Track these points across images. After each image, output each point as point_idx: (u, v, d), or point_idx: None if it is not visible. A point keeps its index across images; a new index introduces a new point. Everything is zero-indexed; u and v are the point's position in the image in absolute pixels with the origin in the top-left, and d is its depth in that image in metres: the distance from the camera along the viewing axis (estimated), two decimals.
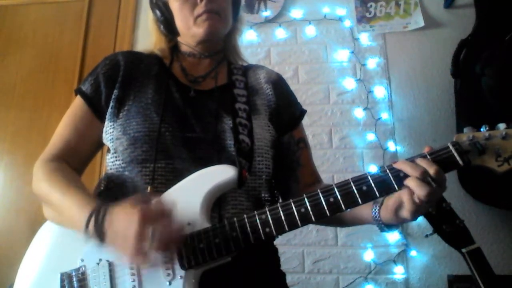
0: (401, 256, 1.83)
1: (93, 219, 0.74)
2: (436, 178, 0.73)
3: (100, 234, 0.73)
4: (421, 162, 0.75)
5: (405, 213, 0.76)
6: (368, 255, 1.84)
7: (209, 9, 0.95)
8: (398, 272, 1.81)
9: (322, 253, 1.89)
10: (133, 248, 0.68)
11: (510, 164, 0.75)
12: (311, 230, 1.92)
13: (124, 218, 0.71)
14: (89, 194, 0.85)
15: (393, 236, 1.84)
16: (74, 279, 0.80)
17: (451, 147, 0.77)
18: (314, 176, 1.06)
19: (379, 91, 2.05)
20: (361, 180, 0.77)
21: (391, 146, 1.97)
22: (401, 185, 0.75)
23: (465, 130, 0.79)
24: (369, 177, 0.77)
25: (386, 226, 0.84)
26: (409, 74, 2.07)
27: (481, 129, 0.78)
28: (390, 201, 0.79)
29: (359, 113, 2.03)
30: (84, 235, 0.76)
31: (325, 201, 0.77)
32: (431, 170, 0.73)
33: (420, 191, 0.72)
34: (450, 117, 1.94)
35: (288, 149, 1.04)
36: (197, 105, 0.96)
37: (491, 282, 0.98)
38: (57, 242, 0.86)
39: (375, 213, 0.84)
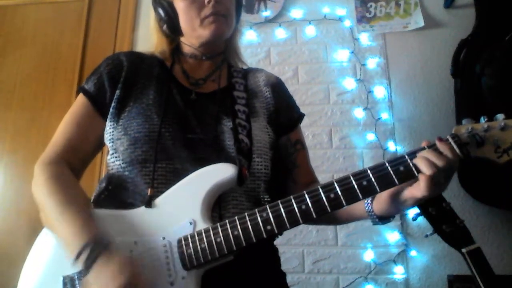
0: (401, 256, 1.83)
1: (86, 253, 0.74)
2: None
3: (87, 268, 0.74)
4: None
5: (419, 191, 0.75)
6: (368, 255, 1.84)
7: (216, 11, 0.95)
8: (398, 272, 1.81)
9: (322, 253, 1.89)
10: None
11: (509, 155, 0.75)
12: (311, 230, 1.92)
13: (109, 276, 0.72)
14: (87, 213, 0.83)
15: (393, 236, 1.84)
16: (77, 282, 0.80)
17: (450, 139, 0.77)
18: (311, 177, 1.07)
19: (379, 91, 2.05)
20: (361, 175, 0.77)
21: (391, 146, 1.97)
22: (401, 180, 0.76)
23: (463, 122, 0.79)
24: (369, 172, 0.77)
25: (380, 218, 0.84)
26: (409, 74, 2.07)
27: (480, 121, 0.78)
28: (384, 192, 0.79)
29: (359, 113, 2.03)
30: (71, 259, 0.76)
31: (325, 197, 0.77)
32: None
33: (440, 162, 0.72)
34: (450, 117, 1.94)
35: (285, 150, 1.04)
36: (197, 107, 0.96)
37: (491, 282, 0.98)
38: (59, 245, 0.86)
39: (367, 205, 0.84)
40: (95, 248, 0.75)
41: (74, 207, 0.82)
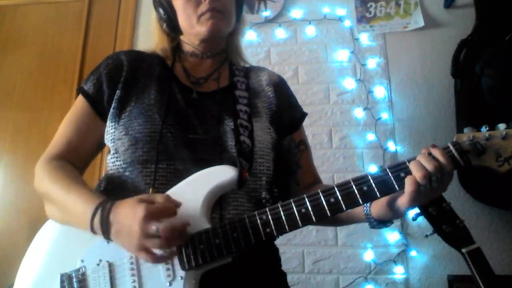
0: (401, 256, 1.83)
1: (99, 213, 0.75)
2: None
3: (105, 228, 0.74)
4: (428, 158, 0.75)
5: (404, 199, 0.75)
6: (368, 255, 1.84)
7: (212, 8, 0.95)
8: (398, 272, 1.81)
9: (322, 253, 1.89)
10: (137, 244, 0.70)
11: (510, 164, 0.76)
12: (311, 230, 1.92)
13: (129, 214, 0.72)
14: (93, 191, 0.86)
15: (393, 236, 1.84)
16: (74, 280, 0.80)
17: (451, 147, 0.77)
18: (314, 177, 1.06)
19: (379, 91, 2.05)
20: (361, 180, 0.77)
21: (391, 146, 1.97)
22: (402, 185, 0.75)
23: (465, 130, 0.79)
24: (369, 177, 0.77)
25: (378, 222, 0.84)
26: (409, 74, 2.07)
27: (481, 129, 0.78)
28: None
29: (359, 113, 2.03)
30: (89, 231, 0.77)
31: (325, 201, 0.77)
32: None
33: (429, 166, 0.73)
34: (450, 117, 1.94)
35: (288, 151, 1.04)
36: (199, 107, 0.96)
37: (491, 282, 0.98)
38: (57, 243, 0.86)
39: (366, 209, 0.84)
40: (105, 207, 0.76)
41: (78, 185, 0.85)
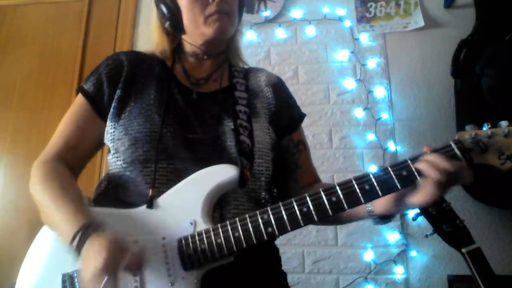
0: (401, 256, 1.83)
1: (78, 237, 0.74)
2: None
3: (78, 252, 0.74)
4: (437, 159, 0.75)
5: (419, 198, 0.75)
6: (368, 255, 1.84)
7: (220, 9, 0.95)
8: (398, 272, 1.81)
9: (322, 253, 1.89)
10: (88, 281, 0.69)
11: None
12: (311, 230, 1.92)
13: (96, 251, 0.71)
14: (81, 203, 0.83)
15: (393, 236, 1.84)
16: (76, 280, 0.80)
17: (453, 145, 0.76)
18: (313, 177, 1.07)
19: (379, 91, 2.05)
20: (363, 179, 0.77)
21: (391, 146, 1.97)
22: (403, 184, 0.75)
23: (467, 128, 0.78)
24: (371, 176, 0.77)
25: (380, 218, 0.84)
26: (409, 74, 2.07)
27: (483, 127, 0.78)
28: None
29: (359, 113, 2.03)
30: (68, 249, 0.76)
31: (327, 200, 0.77)
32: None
33: (447, 165, 0.72)
34: (450, 117, 1.94)
35: (287, 151, 1.04)
36: (198, 107, 0.96)
37: (491, 282, 0.98)
38: (58, 243, 0.86)
39: (368, 205, 0.84)
40: (86, 232, 0.74)
41: (66, 198, 0.83)
